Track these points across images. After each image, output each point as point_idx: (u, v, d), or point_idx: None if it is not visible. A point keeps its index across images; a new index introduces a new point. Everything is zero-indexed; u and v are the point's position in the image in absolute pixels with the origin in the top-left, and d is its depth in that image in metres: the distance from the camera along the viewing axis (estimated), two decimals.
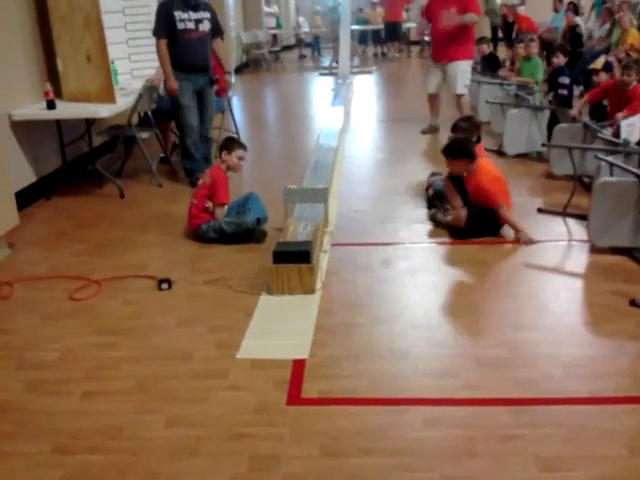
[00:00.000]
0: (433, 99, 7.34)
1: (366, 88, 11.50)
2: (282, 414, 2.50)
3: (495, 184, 4.16)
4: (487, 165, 4.29)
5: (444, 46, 6.92)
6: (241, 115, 9.51)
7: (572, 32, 9.98)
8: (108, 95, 5.16)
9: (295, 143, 7.33)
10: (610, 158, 3.99)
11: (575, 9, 10.35)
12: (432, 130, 7.26)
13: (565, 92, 6.65)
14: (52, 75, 5.40)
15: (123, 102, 5.31)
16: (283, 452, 2.29)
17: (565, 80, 6.64)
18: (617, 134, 5.13)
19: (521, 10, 12.57)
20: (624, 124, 5.16)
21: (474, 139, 4.66)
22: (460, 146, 4.26)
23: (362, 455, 2.26)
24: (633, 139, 4.95)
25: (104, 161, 5.94)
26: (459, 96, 7.06)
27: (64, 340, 3.08)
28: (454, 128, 4.84)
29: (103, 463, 2.26)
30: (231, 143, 4.34)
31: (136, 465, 2.25)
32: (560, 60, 6.74)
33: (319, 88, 11.91)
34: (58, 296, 3.54)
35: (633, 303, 3.23)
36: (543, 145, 5.04)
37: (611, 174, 3.94)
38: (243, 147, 4.34)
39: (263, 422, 2.45)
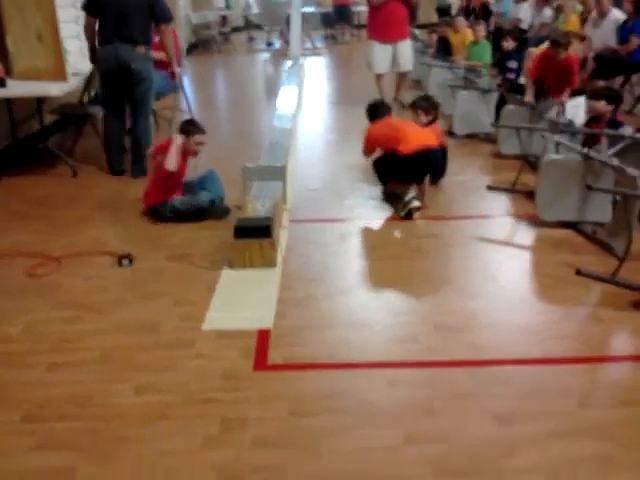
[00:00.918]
0: (381, 79, 7.48)
1: (317, 70, 11.55)
2: (249, 379, 2.58)
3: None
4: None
5: (394, 25, 7.08)
6: (192, 96, 9.45)
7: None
8: (59, 73, 5.09)
9: (249, 124, 7.34)
10: (556, 137, 4.17)
11: None
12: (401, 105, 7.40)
13: (513, 76, 6.87)
14: (3, 54, 5.27)
15: (74, 81, 5.24)
16: (251, 414, 2.37)
17: (513, 64, 6.87)
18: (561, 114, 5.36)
19: None
20: (569, 106, 5.39)
21: (431, 118, 4.81)
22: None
23: (327, 415, 2.37)
24: (578, 121, 5.17)
25: (55, 140, 5.86)
26: (407, 73, 7.31)
27: (27, 315, 3.08)
28: (413, 105, 4.97)
29: (75, 429, 2.31)
30: (189, 127, 4.22)
31: (107, 430, 2.30)
32: (509, 44, 6.96)
33: (270, 69, 11.90)
34: (17, 273, 3.52)
35: (579, 272, 3.41)
36: (492, 125, 5.21)
37: (557, 152, 4.13)
38: (202, 131, 4.24)
39: (231, 387, 2.53)
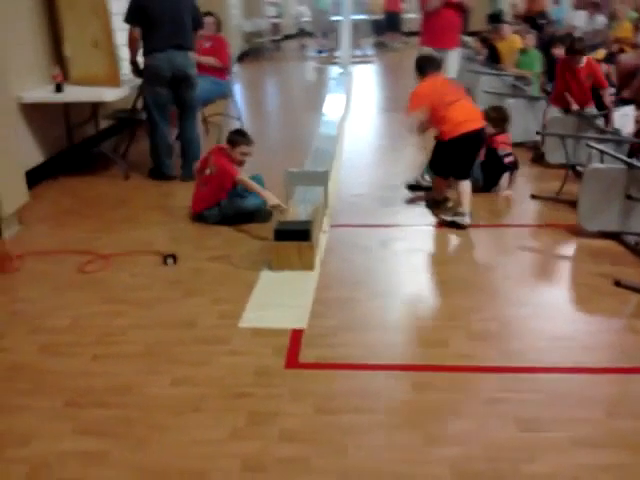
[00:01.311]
0: None
1: (366, 78, 11.62)
2: (281, 376, 2.66)
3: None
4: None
5: (447, 33, 7.07)
6: (242, 103, 9.65)
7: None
8: (113, 79, 5.29)
9: (296, 130, 7.46)
10: (600, 146, 4.13)
11: None
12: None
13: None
14: (60, 60, 5.53)
15: (127, 87, 5.44)
16: (280, 409, 2.45)
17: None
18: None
19: None
20: (617, 115, 5.33)
21: (499, 130, 4.85)
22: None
23: (353, 413, 2.43)
24: (626, 130, 5.10)
25: (110, 144, 6.08)
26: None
27: (74, 309, 3.24)
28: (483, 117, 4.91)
29: (112, 416, 2.43)
30: (235, 137, 4.30)
31: (143, 418, 2.41)
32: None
33: (319, 77, 12.03)
34: (68, 269, 3.69)
35: (618, 284, 3.38)
36: (537, 133, 5.17)
37: (601, 162, 4.09)
38: (248, 142, 4.30)
39: (262, 383, 2.61)
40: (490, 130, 4.76)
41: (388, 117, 8.14)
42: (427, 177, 4.81)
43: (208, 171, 4.32)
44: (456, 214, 4.25)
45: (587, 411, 2.42)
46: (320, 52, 14.90)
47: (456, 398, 2.51)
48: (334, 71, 11.57)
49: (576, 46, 5.57)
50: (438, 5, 7.01)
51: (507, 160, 4.86)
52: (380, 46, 16.10)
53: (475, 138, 4.25)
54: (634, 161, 3.78)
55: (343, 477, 2.11)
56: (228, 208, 4.26)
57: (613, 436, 2.27)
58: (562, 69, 5.77)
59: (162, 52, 5.03)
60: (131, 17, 5.01)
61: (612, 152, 3.99)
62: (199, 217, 4.36)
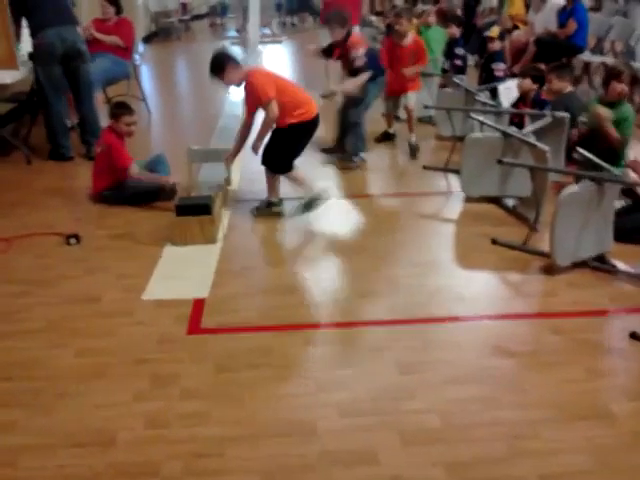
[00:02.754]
0: (329, 65, 7.65)
1: (275, 58, 11.72)
2: (182, 342, 2.83)
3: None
4: None
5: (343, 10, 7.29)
6: (151, 83, 9.59)
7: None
8: (10, 62, 5.21)
9: (203, 111, 7.52)
10: (480, 117, 4.45)
11: None
12: (331, 94, 7.54)
13: (460, 62, 7.07)
14: None
15: (25, 68, 5.38)
16: (182, 371, 2.62)
17: (460, 51, 7.07)
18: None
19: None
20: (502, 87, 5.70)
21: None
22: None
23: (250, 369, 2.62)
24: (509, 101, 5.47)
25: (10, 128, 5.98)
26: None
27: None
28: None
29: (18, 388, 2.54)
30: (116, 110, 4.35)
31: (48, 388, 2.53)
32: (455, 31, 7.16)
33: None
34: None
35: (495, 242, 3.71)
36: (425, 107, 5.47)
37: (481, 131, 4.41)
38: (130, 112, 4.34)
39: (165, 349, 2.77)
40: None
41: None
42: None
43: (99, 149, 4.39)
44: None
45: (458, 354, 2.71)
46: (238, 32, 14.81)
47: (343, 350, 2.76)
48: (243, 52, 11.60)
49: (394, 24, 5.44)
50: None
51: None
52: (291, 26, 16.18)
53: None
54: (508, 129, 4.11)
55: (240, 425, 2.31)
56: (128, 189, 4.33)
57: (478, 374, 2.57)
58: (388, 51, 5.46)
59: (51, 28, 5.02)
60: (16, 15, 5.09)
61: (489, 122, 4.31)
62: (100, 197, 4.40)
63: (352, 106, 5.07)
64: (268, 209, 4.19)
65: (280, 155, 4.06)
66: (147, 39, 13.32)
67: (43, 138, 5.69)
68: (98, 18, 6.29)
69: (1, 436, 2.29)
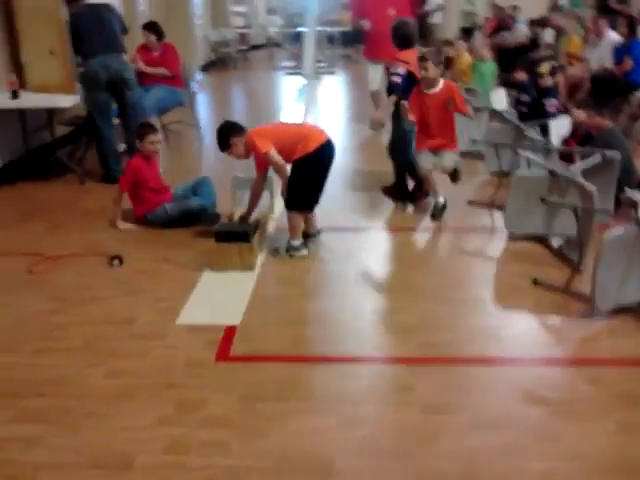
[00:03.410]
0: (376, 96, 7.51)
1: (330, 88, 11.85)
2: (210, 368, 2.84)
3: None
4: None
5: (384, 44, 7.17)
6: (206, 111, 9.83)
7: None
8: (69, 86, 5.44)
9: None
10: (528, 153, 4.38)
11: None
12: (379, 125, 7.50)
13: (525, 109, 6.55)
14: (17, 67, 5.66)
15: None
16: (207, 398, 2.63)
17: (526, 98, 6.54)
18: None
19: None
20: (554, 124, 5.61)
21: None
22: None
23: (275, 400, 2.61)
24: (559, 138, 5.38)
25: (68, 149, 6.21)
26: None
27: (19, 307, 3.39)
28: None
29: (49, 405, 2.59)
30: (140, 130, 4.49)
31: (78, 407, 2.58)
32: (522, 76, 6.68)
33: (285, 87, 12.23)
34: (17, 270, 3.83)
35: (536, 282, 3.62)
36: (473, 141, 5.42)
37: (529, 168, 4.34)
38: (153, 130, 4.49)
39: (192, 375, 2.79)
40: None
41: (347, 126, 8.34)
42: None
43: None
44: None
45: (487, 397, 2.64)
46: (293, 62, 15.08)
47: (370, 386, 2.72)
48: (300, 81, 11.79)
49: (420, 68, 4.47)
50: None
51: None
52: (346, 58, 16.39)
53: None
54: (555, 168, 4.03)
55: (258, 457, 2.29)
56: (174, 210, 4.42)
57: (506, 420, 2.49)
58: (415, 102, 4.54)
59: (95, 57, 5.28)
60: (76, 48, 5.38)
61: (537, 159, 4.24)
62: (144, 219, 4.49)
63: (396, 143, 4.99)
64: (288, 253, 4.04)
65: (296, 192, 3.97)
66: (205, 68, 13.69)
67: (97, 161, 5.88)
68: (143, 44, 6.51)
69: (25, 451, 2.34)
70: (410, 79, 4.68)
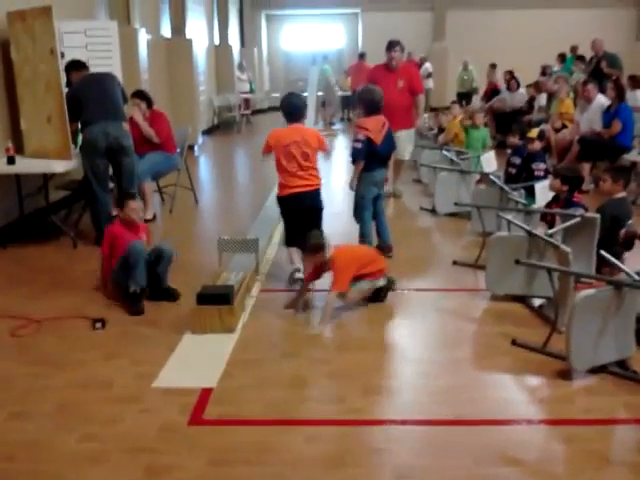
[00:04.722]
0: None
1: (331, 150, 12.07)
2: (182, 432, 2.84)
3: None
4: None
5: (393, 116, 7.32)
6: (205, 173, 10.04)
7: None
8: (65, 152, 5.59)
9: (250, 199, 7.80)
10: (509, 216, 4.46)
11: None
12: (391, 194, 7.48)
13: (514, 171, 6.69)
14: (16, 133, 5.84)
15: (78, 159, 5.73)
16: (176, 463, 2.63)
17: (540, 166, 6.40)
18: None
19: None
20: (538, 187, 5.69)
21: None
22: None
23: (245, 465, 2.61)
24: (546, 201, 5.45)
25: (64, 213, 6.33)
26: (402, 161, 7.45)
27: (0, 370, 3.41)
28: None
29: (18, 469, 2.60)
30: (120, 199, 4.51)
31: (46, 472, 2.58)
32: (536, 146, 6.55)
33: None
34: (1, 332, 3.87)
35: (514, 343, 3.63)
36: (455, 204, 5.51)
37: (509, 230, 4.40)
38: (132, 196, 4.50)
39: (164, 439, 2.80)
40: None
41: (346, 189, 8.45)
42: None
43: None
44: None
45: (460, 459, 2.63)
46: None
47: (341, 449, 2.71)
48: None
49: None
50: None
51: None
52: (347, 121, 16.79)
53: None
54: (533, 229, 4.10)
55: None
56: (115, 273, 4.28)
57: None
58: None
59: (96, 124, 5.42)
60: (74, 115, 5.51)
61: (516, 221, 4.31)
62: (109, 283, 4.41)
63: (354, 206, 5.19)
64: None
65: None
66: (209, 131, 14.02)
67: (91, 225, 5.99)
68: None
69: None
70: (369, 145, 4.94)
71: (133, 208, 4.41)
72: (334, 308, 4.01)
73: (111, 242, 4.37)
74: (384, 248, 5.10)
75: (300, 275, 4.50)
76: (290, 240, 4.59)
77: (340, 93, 16.56)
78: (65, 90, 5.61)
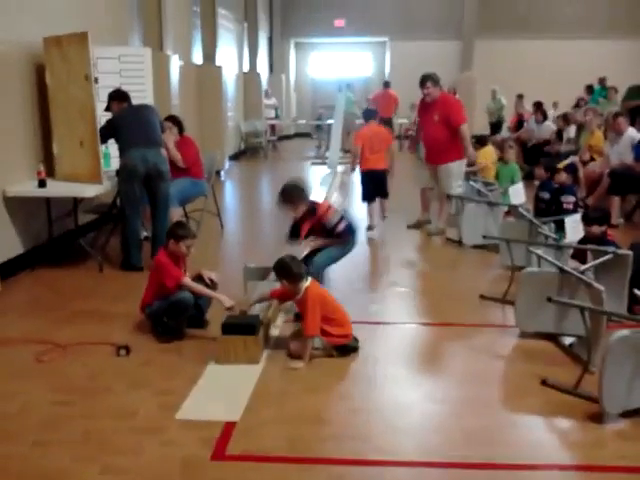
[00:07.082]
0: (424, 193, 7.54)
1: (354, 178, 12.08)
2: (204, 468, 2.81)
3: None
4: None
5: (430, 151, 7.22)
6: (231, 199, 10.09)
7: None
8: (95, 176, 5.64)
9: (274, 225, 7.78)
10: (539, 251, 4.38)
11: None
12: (418, 225, 7.42)
13: (543, 206, 6.70)
14: (48, 156, 5.92)
15: (109, 183, 5.79)
16: None
17: (570, 199, 6.43)
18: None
19: None
20: (568, 221, 5.59)
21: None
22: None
23: None
24: (577, 236, 5.35)
25: (92, 236, 6.38)
26: (447, 195, 7.17)
27: (25, 396, 3.41)
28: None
29: None
30: (179, 232, 4.28)
31: None
32: (566, 179, 6.57)
33: (310, 176, 12.51)
34: (25, 357, 3.88)
35: (544, 382, 3.54)
36: (484, 237, 5.44)
37: (539, 265, 4.33)
38: (191, 235, 4.32)
39: (186, 474, 2.76)
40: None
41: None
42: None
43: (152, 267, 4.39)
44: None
45: None
46: (319, 153, 15.45)
47: None
48: (324, 171, 12.08)
49: None
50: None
51: None
52: None
53: None
54: (564, 266, 4.02)
55: None
56: (158, 306, 4.19)
57: None
58: None
59: (136, 150, 5.48)
60: (104, 138, 5.61)
61: (547, 257, 4.23)
62: (144, 312, 4.33)
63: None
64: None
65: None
66: (236, 156, 14.13)
67: (118, 248, 6.03)
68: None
69: None
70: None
71: (189, 245, 4.27)
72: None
73: (157, 270, 4.28)
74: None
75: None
76: None
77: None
78: (99, 115, 5.69)
